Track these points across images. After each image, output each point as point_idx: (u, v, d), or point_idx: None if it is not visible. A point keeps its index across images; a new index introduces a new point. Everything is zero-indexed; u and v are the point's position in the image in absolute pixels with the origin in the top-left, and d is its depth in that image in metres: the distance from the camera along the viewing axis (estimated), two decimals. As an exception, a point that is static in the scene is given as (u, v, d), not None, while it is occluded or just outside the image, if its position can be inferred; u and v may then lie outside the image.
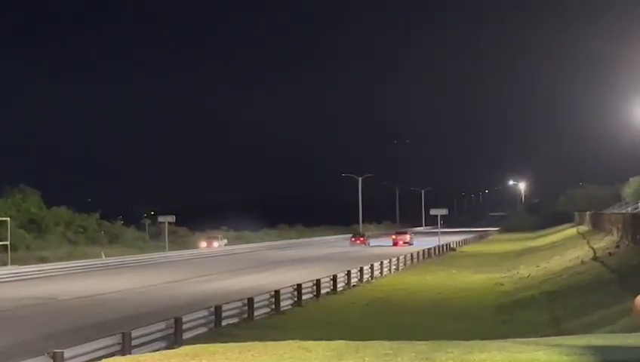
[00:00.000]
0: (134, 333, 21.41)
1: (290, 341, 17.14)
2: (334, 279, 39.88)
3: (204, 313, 26.69)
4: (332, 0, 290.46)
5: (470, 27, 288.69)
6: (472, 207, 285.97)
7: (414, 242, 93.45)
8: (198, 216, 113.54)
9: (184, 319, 24.43)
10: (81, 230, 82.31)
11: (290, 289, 34.26)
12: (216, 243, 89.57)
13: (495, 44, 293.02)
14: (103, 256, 67.97)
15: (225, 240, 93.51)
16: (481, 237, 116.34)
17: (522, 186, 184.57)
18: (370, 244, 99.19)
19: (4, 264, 55.22)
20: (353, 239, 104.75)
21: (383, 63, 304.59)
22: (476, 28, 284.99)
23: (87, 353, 19.43)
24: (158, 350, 20.96)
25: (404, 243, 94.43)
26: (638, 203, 77.81)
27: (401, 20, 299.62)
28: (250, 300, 29.71)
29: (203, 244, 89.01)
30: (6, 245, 56.47)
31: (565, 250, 58.52)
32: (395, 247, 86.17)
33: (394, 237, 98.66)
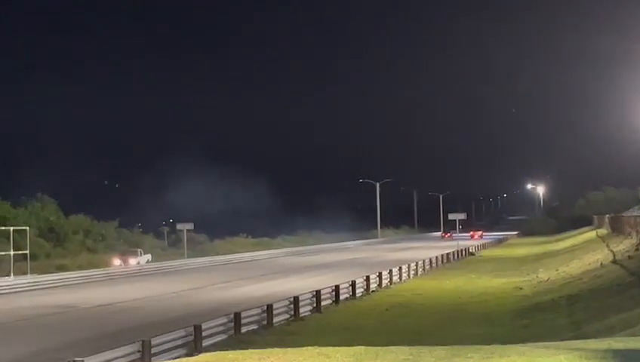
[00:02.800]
0: (154, 341, 21.47)
1: (310, 347, 17.17)
2: (353, 285, 39.84)
3: (224, 320, 26.70)
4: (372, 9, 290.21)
5: (488, 30, 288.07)
6: (491, 211, 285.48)
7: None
8: (217, 223, 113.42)
9: (204, 326, 24.45)
10: (100, 238, 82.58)
11: (309, 295, 34.23)
12: (133, 261, 71.24)
13: (513, 45, 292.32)
14: (122, 264, 68.10)
15: (147, 256, 75.16)
16: (500, 241, 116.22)
17: (541, 190, 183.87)
18: (454, 238, 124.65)
19: (24, 273, 55.38)
20: (443, 234, 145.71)
21: (395, 67, 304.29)
22: (494, 31, 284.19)
23: (107, 361, 19.48)
24: (178, 357, 21.05)
25: (479, 236, 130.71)
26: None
27: (417, 26, 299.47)
28: (270, 307, 29.72)
29: (116, 262, 70.17)
30: (25, 254, 56.66)
31: (585, 254, 58.32)
32: (471, 239, 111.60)
33: (471, 233, 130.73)
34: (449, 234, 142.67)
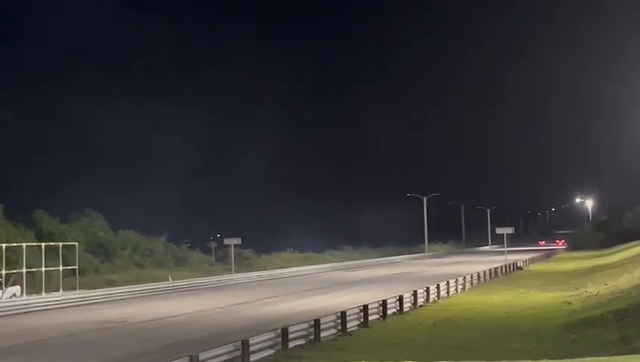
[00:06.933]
0: (202, 356, 21.53)
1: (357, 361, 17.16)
2: (401, 299, 39.74)
3: (271, 335, 26.72)
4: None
5: (540, 42, 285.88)
6: (539, 225, 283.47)
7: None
8: (264, 237, 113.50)
9: (251, 341, 24.49)
10: (148, 253, 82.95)
11: (357, 310, 34.18)
12: None
13: (560, 56, 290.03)
14: (170, 279, 68.41)
15: (15, 288, 51.94)
16: (548, 255, 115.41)
17: (589, 204, 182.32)
18: (547, 245, 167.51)
19: (73, 288, 55.82)
20: (540, 242, 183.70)
21: (442, 81, 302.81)
22: (548, 43, 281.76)
23: (155, 375, 19.59)
24: (225, 372, 21.10)
25: (562, 244, 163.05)
26: None
27: (465, 41, 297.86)
28: (317, 321, 29.69)
29: None
30: (74, 269, 57.17)
31: (634, 268, 57.72)
32: (557, 245, 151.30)
33: (558, 241, 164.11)
34: (544, 241, 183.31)
